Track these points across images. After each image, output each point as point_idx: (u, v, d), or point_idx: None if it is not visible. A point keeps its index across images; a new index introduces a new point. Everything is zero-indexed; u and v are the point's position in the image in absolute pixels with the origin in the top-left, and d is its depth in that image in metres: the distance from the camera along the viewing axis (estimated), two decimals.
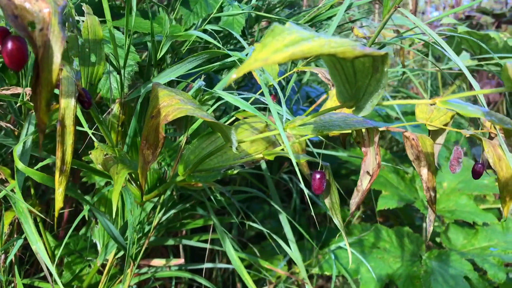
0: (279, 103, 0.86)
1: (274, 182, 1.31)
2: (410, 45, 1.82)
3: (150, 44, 0.62)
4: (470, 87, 3.23)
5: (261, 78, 0.78)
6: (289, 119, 0.52)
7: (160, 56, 0.63)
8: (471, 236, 1.31)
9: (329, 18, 0.95)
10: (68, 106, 0.41)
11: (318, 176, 0.48)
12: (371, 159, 0.49)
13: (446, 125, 0.61)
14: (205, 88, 0.52)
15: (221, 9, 0.81)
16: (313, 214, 0.68)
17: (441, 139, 0.65)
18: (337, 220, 0.52)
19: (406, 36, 0.74)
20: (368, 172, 0.50)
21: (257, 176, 1.18)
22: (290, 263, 1.34)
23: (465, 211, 1.28)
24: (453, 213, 1.28)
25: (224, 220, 0.78)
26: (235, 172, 0.60)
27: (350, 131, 0.54)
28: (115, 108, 0.62)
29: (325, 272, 1.10)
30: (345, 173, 1.69)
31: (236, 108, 0.80)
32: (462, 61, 1.74)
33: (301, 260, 0.85)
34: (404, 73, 1.03)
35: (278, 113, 0.64)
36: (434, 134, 0.62)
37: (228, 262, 1.11)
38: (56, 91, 0.44)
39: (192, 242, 0.77)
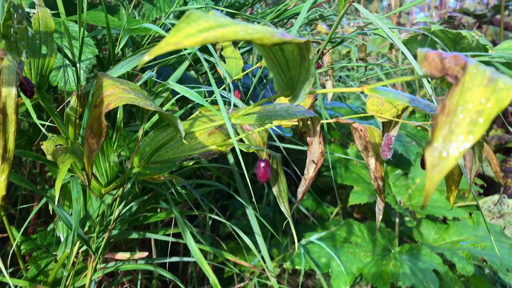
0: (242, 100, 0.87)
1: (250, 177, 1.32)
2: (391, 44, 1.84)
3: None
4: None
5: (224, 72, 0.79)
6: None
7: (118, 50, 0.63)
8: (442, 230, 1.34)
9: (297, 14, 0.96)
10: (9, 95, 0.42)
11: (262, 164, 0.49)
12: (316, 148, 0.50)
13: (398, 117, 0.63)
14: (156, 80, 0.52)
15: (186, 4, 0.82)
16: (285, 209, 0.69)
17: (394, 132, 0.66)
18: (284, 208, 0.53)
19: (362, 31, 0.76)
20: (313, 161, 0.51)
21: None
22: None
23: (436, 206, 1.30)
24: (424, 208, 1.30)
25: (185, 213, 0.79)
26: (190, 164, 0.60)
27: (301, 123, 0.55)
28: (72, 100, 0.62)
29: (296, 266, 1.11)
30: (323, 170, 1.70)
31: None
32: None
33: (267, 253, 0.86)
34: (366, 68, 1.04)
35: (236, 104, 0.65)
36: (386, 126, 0.64)
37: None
38: None
39: (157, 236, 0.77)
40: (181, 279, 1.20)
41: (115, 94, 0.44)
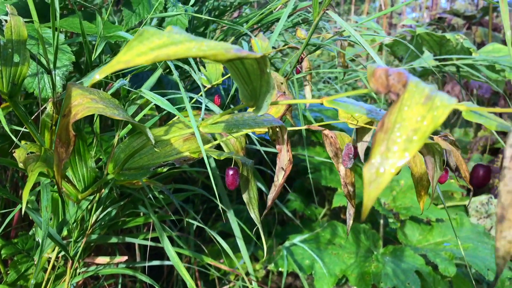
0: (223, 103, 0.87)
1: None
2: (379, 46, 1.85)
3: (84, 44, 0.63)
4: (443, 87, 3.30)
5: (197, 79, 0.79)
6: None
7: (95, 57, 0.64)
8: (426, 232, 1.35)
9: (278, 19, 0.97)
10: None
11: (231, 172, 0.50)
12: (284, 155, 0.51)
13: (371, 124, 0.64)
14: (129, 88, 0.53)
15: (165, 10, 0.82)
16: (268, 212, 0.70)
17: (367, 137, 0.67)
18: (253, 214, 0.54)
19: (341, 38, 0.77)
20: (282, 168, 0.52)
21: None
22: (250, 260, 1.36)
23: (419, 208, 1.31)
24: (408, 210, 1.32)
25: (164, 217, 0.80)
26: (165, 170, 0.61)
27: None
28: (49, 107, 0.63)
29: (280, 268, 1.12)
30: (312, 171, 1.71)
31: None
32: (426, 62, 1.78)
33: (248, 256, 0.87)
34: (344, 74, 1.05)
35: (210, 110, 0.66)
36: (359, 132, 0.65)
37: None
38: None
39: (136, 240, 0.78)
40: (167, 282, 1.21)
41: (83, 104, 0.45)
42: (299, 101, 0.40)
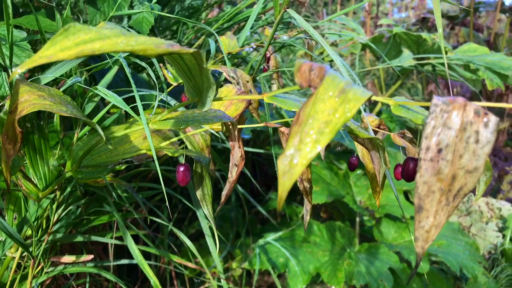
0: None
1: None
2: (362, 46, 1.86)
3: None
4: (427, 86, 3.33)
5: (170, 76, 0.79)
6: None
7: None
8: (402, 229, 1.37)
9: (248, 17, 0.97)
10: None
11: (181, 168, 0.50)
12: (237, 152, 0.52)
13: None
14: (84, 86, 0.53)
15: (131, 8, 0.82)
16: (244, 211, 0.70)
17: None
18: (207, 211, 0.54)
19: (301, 37, 0.77)
20: (236, 164, 0.52)
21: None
22: (227, 259, 1.37)
23: (395, 206, 1.33)
24: (383, 208, 1.33)
25: (128, 215, 0.80)
26: (123, 167, 0.61)
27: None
28: (7, 104, 0.62)
29: (254, 267, 1.13)
30: None
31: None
32: (406, 61, 1.79)
33: (217, 255, 0.87)
34: None
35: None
36: None
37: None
38: None
39: (102, 239, 0.78)
40: (142, 281, 1.20)
41: (30, 100, 0.45)
42: (243, 97, 0.41)
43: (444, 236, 1.33)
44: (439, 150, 0.29)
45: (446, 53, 1.51)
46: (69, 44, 0.30)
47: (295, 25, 1.23)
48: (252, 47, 0.94)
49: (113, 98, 0.52)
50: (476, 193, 0.43)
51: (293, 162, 0.26)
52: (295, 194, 1.80)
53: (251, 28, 1.18)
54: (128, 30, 0.34)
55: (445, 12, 3.54)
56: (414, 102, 0.34)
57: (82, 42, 0.30)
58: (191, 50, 0.34)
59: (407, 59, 1.73)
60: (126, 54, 0.64)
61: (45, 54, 0.29)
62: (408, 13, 5.10)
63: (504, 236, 1.66)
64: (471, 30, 2.67)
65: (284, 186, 0.26)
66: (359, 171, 1.43)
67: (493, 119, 0.28)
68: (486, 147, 0.28)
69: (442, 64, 1.45)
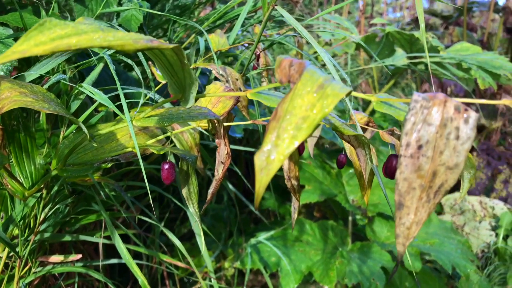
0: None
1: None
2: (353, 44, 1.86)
3: None
4: (421, 86, 3.34)
5: (159, 74, 0.79)
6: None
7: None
8: (394, 228, 1.37)
9: (239, 15, 0.97)
10: None
11: (166, 166, 0.49)
12: (223, 149, 0.51)
13: None
14: (69, 83, 0.53)
15: (120, 5, 0.82)
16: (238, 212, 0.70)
17: (316, 132, 0.68)
18: (193, 209, 0.54)
19: (290, 34, 0.77)
20: (222, 162, 0.52)
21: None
22: (220, 258, 1.36)
23: (387, 204, 1.33)
24: (376, 207, 1.33)
25: (117, 215, 0.79)
26: (109, 166, 0.60)
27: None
28: None
29: (246, 266, 1.12)
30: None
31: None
32: (399, 60, 1.79)
33: (207, 254, 0.86)
34: None
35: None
36: None
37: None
38: None
39: (91, 238, 0.77)
40: (134, 281, 1.20)
41: (11, 97, 0.44)
42: (226, 94, 0.40)
43: (436, 235, 1.33)
44: (419, 147, 0.28)
45: (438, 51, 1.51)
46: (44, 39, 0.29)
47: (288, 23, 1.23)
48: (244, 45, 0.93)
49: (98, 96, 0.52)
50: (461, 190, 0.43)
51: (271, 158, 0.26)
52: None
53: (243, 26, 1.18)
54: (116, 29, 0.34)
55: (439, 11, 3.55)
56: (396, 98, 0.33)
57: (58, 37, 0.30)
58: (171, 45, 0.34)
59: (400, 58, 1.73)
60: (112, 51, 0.63)
61: (18, 49, 0.28)
62: (402, 13, 5.11)
63: (497, 235, 1.67)
64: (464, 29, 2.68)
65: (261, 182, 0.26)
66: (351, 170, 1.43)
67: (473, 115, 0.28)
68: (466, 143, 0.28)
69: (435, 63, 1.45)
